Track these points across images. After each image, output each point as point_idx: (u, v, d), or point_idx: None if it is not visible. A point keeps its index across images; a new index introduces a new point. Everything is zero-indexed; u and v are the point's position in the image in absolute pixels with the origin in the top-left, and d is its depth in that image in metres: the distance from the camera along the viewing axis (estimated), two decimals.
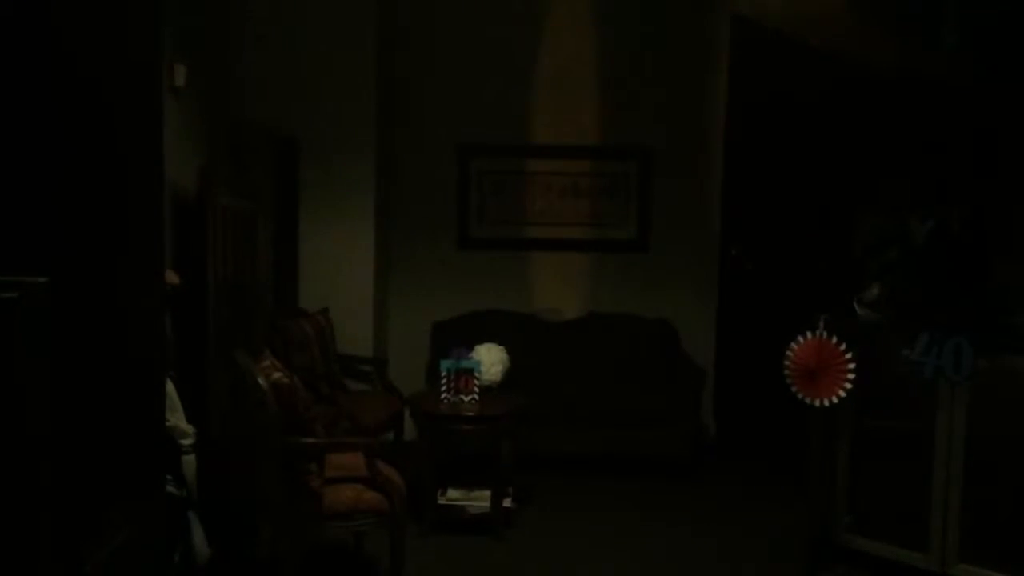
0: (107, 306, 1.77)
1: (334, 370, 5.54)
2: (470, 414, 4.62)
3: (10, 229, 1.45)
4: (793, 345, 3.82)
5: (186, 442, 3.48)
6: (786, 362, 3.82)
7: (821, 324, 3.75)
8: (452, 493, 4.77)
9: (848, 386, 3.68)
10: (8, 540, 1.34)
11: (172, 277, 3.74)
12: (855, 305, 3.86)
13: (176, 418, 3.43)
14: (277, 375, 3.58)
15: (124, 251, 1.87)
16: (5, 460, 1.32)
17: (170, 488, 3.16)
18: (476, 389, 4.68)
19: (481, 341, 4.99)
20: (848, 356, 3.68)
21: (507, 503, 4.69)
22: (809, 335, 3.78)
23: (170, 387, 3.32)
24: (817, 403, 3.76)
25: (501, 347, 4.98)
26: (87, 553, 1.61)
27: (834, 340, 3.70)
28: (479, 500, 4.66)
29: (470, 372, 4.69)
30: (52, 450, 1.43)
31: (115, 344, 1.80)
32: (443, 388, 4.70)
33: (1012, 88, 4.85)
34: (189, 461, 3.49)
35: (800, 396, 3.80)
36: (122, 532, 1.76)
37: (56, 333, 1.43)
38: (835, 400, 3.72)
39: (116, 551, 1.71)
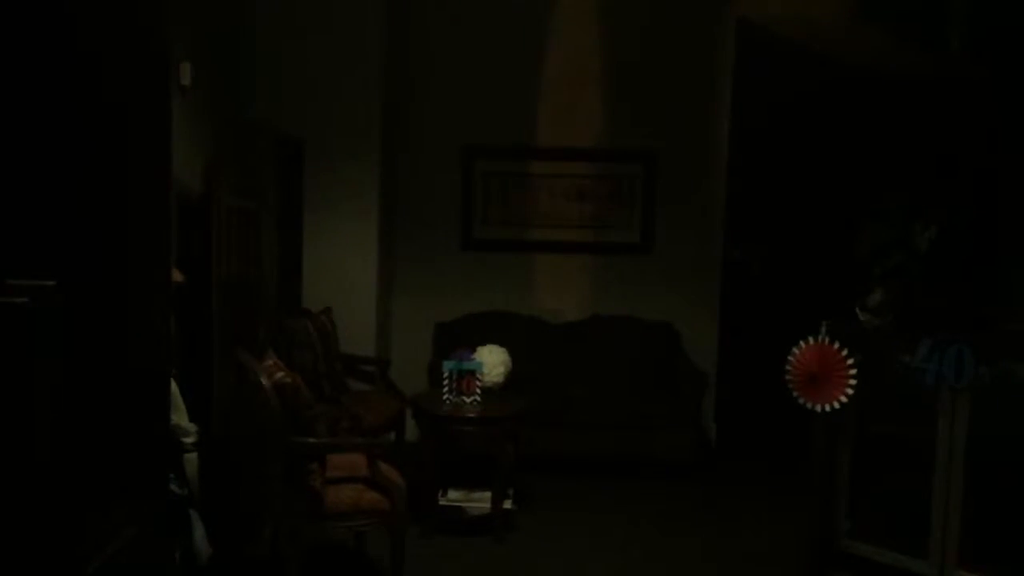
0: (112, 305, 1.77)
1: (336, 370, 5.54)
2: (472, 415, 4.63)
3: (19, 226, 1.45)
4: (795, 350, 3.81)
5: (188, 441, 3.49)
6: (788, 367, 3.82)
7: (823, 329, 3.75)
8: (453, 494, 4.77)
9: (849, 391, 3.67)
10: (12, 538, 1.34)
11: (176, 275, 3.75)
12: (857, 310, 3.85)
13: (178, 416, 3.44)
14: (280, 375, 3.59)
15: (131, 250, 1.88)
16: (13, 461, 1.33)
17: (172, 487, 3.17)
18: (478, 390, 4.69)
19: (483, 342, 5.00)
20: (850, 361, 3.67)
21: (508, 505, 4.70)
22: (811, 340, 3.77)
23: (173, 385, 3.32)
24: (818, 408, 3.75)
25: (503, 349, 4.98)
26: (90, 551, 1.61)
27: (836, 345, 3.69)
28: (480, 501, 4.67)
29: (472, 373, 4.70)
30: (57, 450, 1.44)
31: (119, 343, 1.81)
32: (445, 389, 4.71)
33: (1016, 91, 4.86)
34: (191, 460, 3.50)
35: (801, 401, 3.80)
36: (125, 531, 1.77)
37: (62, 332, 1.43)
38: (836, 405, 3.71)
39: (119, 550, 1.72)
